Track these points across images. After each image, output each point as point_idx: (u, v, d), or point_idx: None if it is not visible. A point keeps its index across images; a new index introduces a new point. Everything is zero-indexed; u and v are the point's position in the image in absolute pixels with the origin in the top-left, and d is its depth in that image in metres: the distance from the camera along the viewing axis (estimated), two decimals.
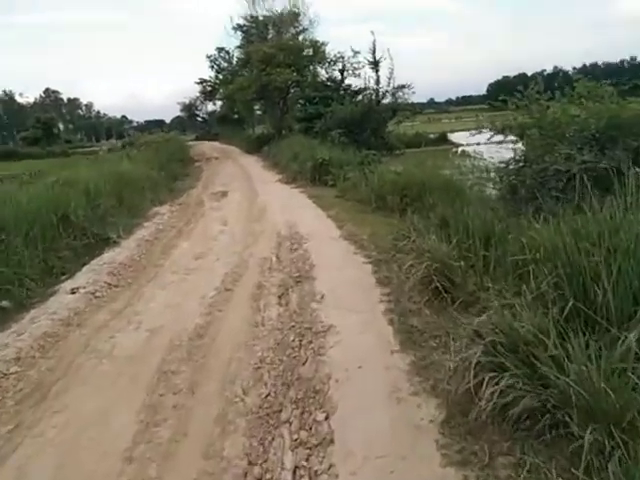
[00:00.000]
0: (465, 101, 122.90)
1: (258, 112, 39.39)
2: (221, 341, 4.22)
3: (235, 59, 36.44)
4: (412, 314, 4.22)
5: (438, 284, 4.31)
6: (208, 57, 41.16)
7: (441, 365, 3.35)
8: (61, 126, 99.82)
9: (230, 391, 3.46)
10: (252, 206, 10.67)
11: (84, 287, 5.80)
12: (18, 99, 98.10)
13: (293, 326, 4.34)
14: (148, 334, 4.42)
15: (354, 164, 12.84)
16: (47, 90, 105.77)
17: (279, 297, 5.19)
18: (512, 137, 8.29)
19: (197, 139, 57.61)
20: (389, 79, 19.08)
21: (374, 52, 19.67)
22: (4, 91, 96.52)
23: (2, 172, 20.94)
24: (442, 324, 3.95)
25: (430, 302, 4.36)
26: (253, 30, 32.22)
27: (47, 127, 68.56)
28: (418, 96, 20.62)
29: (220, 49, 40.06)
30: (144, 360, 3.93)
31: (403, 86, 19.91)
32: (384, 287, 4.99)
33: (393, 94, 19.57)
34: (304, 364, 3.71)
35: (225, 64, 41.00)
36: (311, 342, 3.95)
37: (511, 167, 6.87)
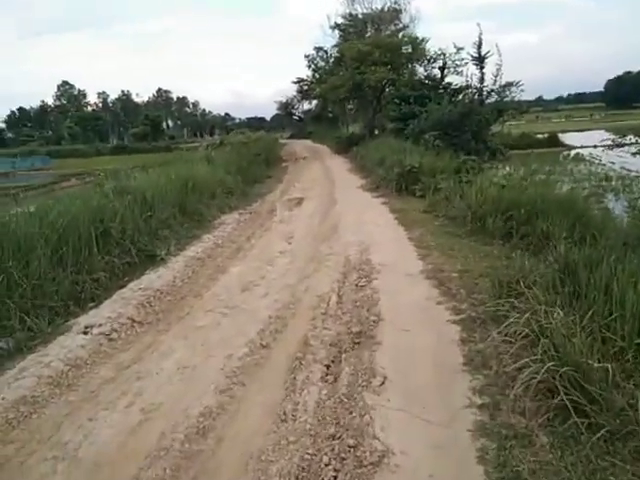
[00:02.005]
0: (578, 99, 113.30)
1: (352, 110, 38.44)
2: (227, 448, 2.92)
3: (332, 58, 35.50)
4: (518, 443, 2.62)
5: (564, 398, 2.68)
6: (306, 56, 40.79)
7: None
8: (170, 123, 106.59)
9: None
10: (325, 220, 9.34)
11: (101, 324, 4.80)
12: (134, 98, 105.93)
13: (332, 435, 2.92)
14: (137, 420, 3.23)
15: (449, 172, 11.08)
16: (159, 90, 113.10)
17: (326, 367, 3.81)
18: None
19: (291, 137, 57.94)
20: (495, 77, 16.84)
21: (479, 47, 17.50)
22: (122, 91, 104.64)
23: (96, 167, 21.53)
24: (572, 478, 2.34)
25: (549, 423, 2.74)
26: (351, 29, 31.08)
27: (154, 124, 73.10)
28: (525, 93, 18.08)
29: (318, 48, 39.37)
30: (109, 475, 2.72)
31: (511, 84, 17.56)
32: (475, 373, 3.40)
33: (499, 93, 17.29)
34: None
35: (322, 63, 40.41)
36: None
37: None
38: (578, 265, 4.17)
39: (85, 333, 4.67)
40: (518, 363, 3.13)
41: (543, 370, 2.80)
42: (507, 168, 14.20)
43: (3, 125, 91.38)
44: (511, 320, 3.57)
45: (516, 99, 18.10)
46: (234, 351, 4.12)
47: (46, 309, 5.01)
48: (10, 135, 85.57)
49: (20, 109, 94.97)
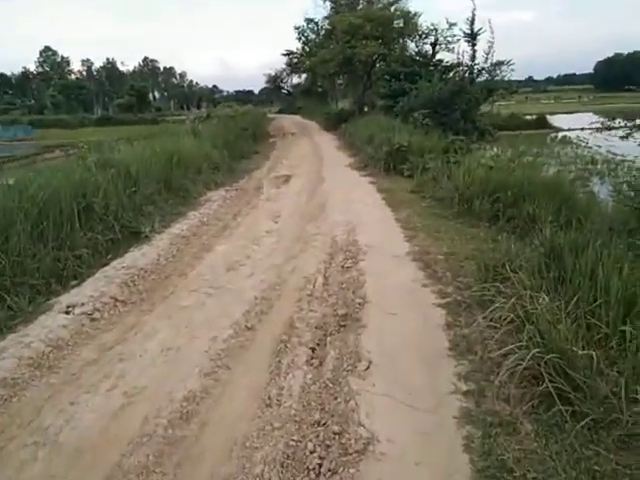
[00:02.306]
0: (567, 80, 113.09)
1: (342, 86, 37.96)
2: (211, 433, 2.90)
3: (322, 30, 34.77)
4: (503, 430, 2.63)
5: (549, 385, 2.69)
6: (296, 28, 39.89)
7: None
8: (157, 94, 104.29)
9: None
10: (312, 198, 9.24)
11: (84, 303, 4.71)
12: (120, 67, 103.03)
13: (317, 422, 2.92)
14: (120, 403, 3.18)
15: (437, 152, 11.03)
16: (145, 59, 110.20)
17: (312, 351, 3.79)
18: None
19: (280, 112, 57.15)
20: (487, 55, 16.60)
21: (472, 24, 17.20)
22: (107, 59, 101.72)
23: (80, 138, 21.14)
24: (557, 467, 2.36)
25: (534, 410, 2.75)
26: (342, 0, 30.40)
27: (140, 95, 71.52)
28: (516, 73, 17.92)
29: (309, 20, 38.49)
30: (91, 461, 2.68)
31: (502, 62, 17.36)
32: (460, 359, 3.41)
33: (489, 72, 17.09)
34: None
35: (313, 36, 39.61)
36: (335, 472, 2.50)
37: None
38: (564, 250, 4.18)
39: (67, 313, 4.58)
40: (503, 349, 3.14)
41: (528, 357, 2.81)
42: (495, 149, 14.19)
43: None
44: (496, 305, 3.56)
45: (506, 79, 17.93)
46: (219, 333, 4.08)
47: (27, 287, 4.88)
48: None
49: (1, 75, 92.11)
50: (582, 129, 27.14)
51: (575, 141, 23.01)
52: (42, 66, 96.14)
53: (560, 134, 27.40)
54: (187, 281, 5.36)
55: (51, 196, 5.81)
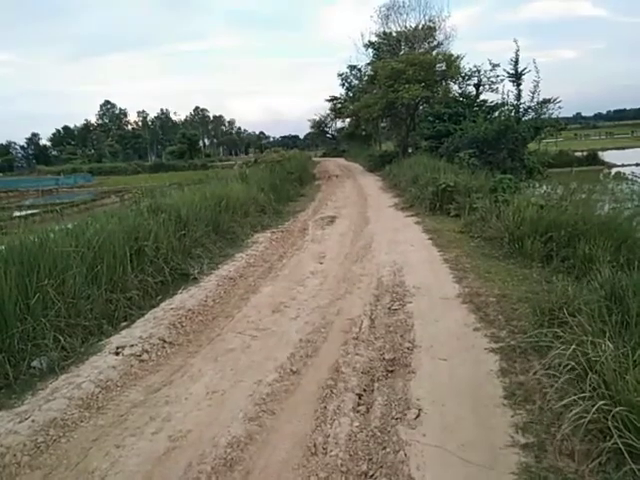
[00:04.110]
0: (617, 115, 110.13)
1: (385, 128, 38.51)
2: None
3: (365, 76, 35.78)
4: None
5: (618, 441, 2.47)
6: (339, 75, 41.43)
7: None
8: (207, 141, 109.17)
9: None
10: (357, 239, 9.22)
11: (133, 345, 4.78)
12: (172, 117, 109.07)
13: (365, 473, 2.78)
14: (164, 448, 3.15)
15: (484, 191, 10.83)
16: (196, 108, 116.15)
17: (358, 397, 3.66)
18: None
19: (325, 155, 58.38)
20: (533, 93, 16.48)
21: (516, 63, 17.22)
22: (161, 109, 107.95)
23: (135, 184, 22.18)
24: None
25: (602, 468, 2.52)
26: (385, 47, 31.26)
27: (191, 142, 75.04)
28: (563, 110, 17.58)
29: (352, 67, 39.88)
30: None
31: (548, 100, 17.17)
32: (517, 408, 3.20)
33: (536, 110, 16.90)
34: None
35: (356, 81, 40.92)
36: None
37: None
38: (626, 292, 3.93)
39: (117, 354, 4.66)
40: (565, 400, 2.92)
41: (594, 409, 2.59)
42: (545, 187, 13.81)
43: (48, 143, 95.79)
44: (555, 351, 3.35)
45: (554, 116, 17.65)
46: (264, 376, 4.03)
47: (80, 328, 5.03)
48: (54, 153, 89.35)
49: (65, 128, 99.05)
50: (637, 164, 26.27)
51: (630, 177, 22.12)
52: (102, 118, 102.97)
53: (613, 170, 26.58)
54: (233, 323, 5.37)
55: (105, 240, 6.03)
